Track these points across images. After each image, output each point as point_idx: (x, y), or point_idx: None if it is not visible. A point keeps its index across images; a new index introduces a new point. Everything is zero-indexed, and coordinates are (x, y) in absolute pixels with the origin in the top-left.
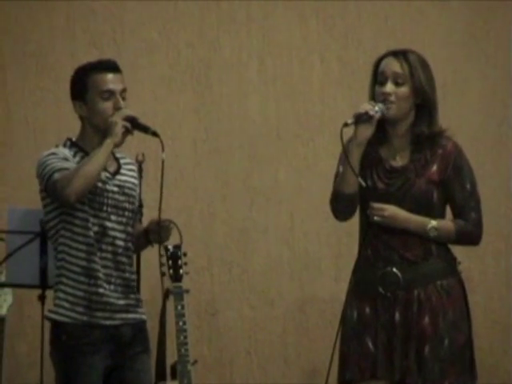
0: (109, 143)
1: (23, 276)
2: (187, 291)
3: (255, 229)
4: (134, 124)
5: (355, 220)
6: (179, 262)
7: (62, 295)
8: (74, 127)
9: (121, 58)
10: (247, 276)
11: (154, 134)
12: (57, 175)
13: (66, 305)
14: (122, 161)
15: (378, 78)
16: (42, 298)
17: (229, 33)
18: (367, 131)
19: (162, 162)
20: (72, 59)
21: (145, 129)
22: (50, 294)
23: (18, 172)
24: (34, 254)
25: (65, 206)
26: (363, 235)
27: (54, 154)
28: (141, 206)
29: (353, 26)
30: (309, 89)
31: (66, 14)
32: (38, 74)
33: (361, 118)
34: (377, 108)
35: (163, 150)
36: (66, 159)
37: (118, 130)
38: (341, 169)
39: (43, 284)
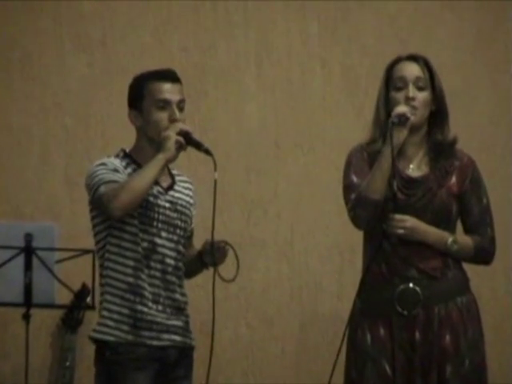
0: (161, 158)
1: (6, 294)
2: None
3: (253, 243)
4: (187, 139)
5: (358, 234)
6: None
7: (106, 313)
8: (60, 137)
9: (111, 62)
10: (244, 293)
11: (207, 151)
12: (104, 188)
13: (111, 323)
14: (177, 177)
15: (393, 83)
16: (26, 317)
17: (225, 36)
18: (402, 134)
19: (215, 182)
20: (59, 65)
21: (198, 145)
22: (34, 312)
23: (2, 183)
24: (19, 271)
25: (111, 219)
26: (375, 249)
27: (103, 164)
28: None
29: (356, 29)
30: (309, 96)
31: (52, 17)
32: (24, 81)
33: (401, 119)
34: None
35: (215, 169)
36: (116, 170)
37: (171, 145)
38: (354, 178)
39: (28, 302)
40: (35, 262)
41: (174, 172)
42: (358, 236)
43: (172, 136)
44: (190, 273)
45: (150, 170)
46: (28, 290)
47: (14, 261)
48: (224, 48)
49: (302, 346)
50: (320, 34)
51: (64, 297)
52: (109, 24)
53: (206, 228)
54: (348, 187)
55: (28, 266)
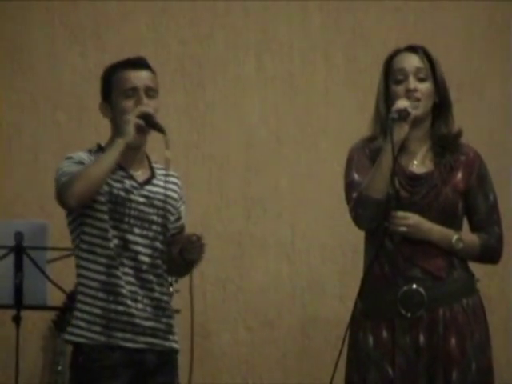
0: (119, 143)
1: None
2: (178, 311)
3: (252, 243)
4: (148, 122)
5: (362, 233)
6: None
7: (78, 314)
8: (52, 132)
9: (105, 54)
10: (243, 294)
11: (160, 130)
12: (64, 179)
13: (82, 324)
14: (158, 171)
15: (393, 76)
16: (17, 320)
17: (224, 27)
18: (403, 130)
19: (166, 161)
20: (51, 56)
21: (154, 125)
22: (25, 314)
23: None
24: (8, 271)
25: (68, 211)
26: (377, 248)
27: (70, 158)
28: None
29: (360, 20)
30: (311, 89)
31: (44, 6)
32: (14, 74)
33: (401, 115)
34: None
35: (167, 147)
36: (80, 163)
37: (130, 128)
38: (355, 176)
39: (18, 304)
40: (26, 261)
41: (155, 165)
42: (361, 235)
43: (131, 119)
44: (178, 271)
45: (107, 156)
46: (18, 291)
47: (4, 261)
48: (223, 39)
49: (303, 350)
50: (323, 25)
51: (56, 298)
52: (102, 14)
53: (203, 226)
54: (349, 185)
55: (18, 266)
